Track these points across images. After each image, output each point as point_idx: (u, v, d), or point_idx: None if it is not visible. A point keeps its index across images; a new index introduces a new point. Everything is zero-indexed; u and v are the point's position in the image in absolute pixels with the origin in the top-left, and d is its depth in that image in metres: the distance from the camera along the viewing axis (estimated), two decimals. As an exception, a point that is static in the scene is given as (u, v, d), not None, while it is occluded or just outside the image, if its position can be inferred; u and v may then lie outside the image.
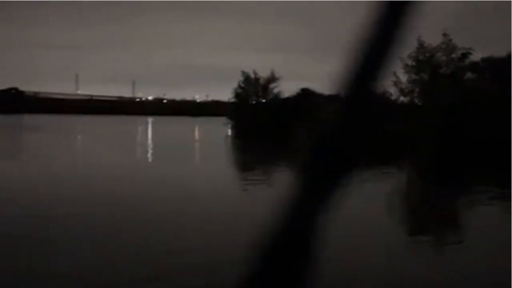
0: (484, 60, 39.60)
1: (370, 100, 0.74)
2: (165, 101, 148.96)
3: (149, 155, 28.75)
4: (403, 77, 37.05)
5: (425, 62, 36.22)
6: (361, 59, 0.72)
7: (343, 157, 0.69)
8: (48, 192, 14.36)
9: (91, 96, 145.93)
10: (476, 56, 37.05)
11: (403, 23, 0.71)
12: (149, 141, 40.99)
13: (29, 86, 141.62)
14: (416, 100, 37.92)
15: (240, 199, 13.82)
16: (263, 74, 53.55)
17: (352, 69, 0.72)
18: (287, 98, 51.29)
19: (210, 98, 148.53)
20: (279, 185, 17.17)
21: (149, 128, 62.29)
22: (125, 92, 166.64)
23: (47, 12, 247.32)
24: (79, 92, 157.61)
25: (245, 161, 26.84)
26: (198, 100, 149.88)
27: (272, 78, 53.15)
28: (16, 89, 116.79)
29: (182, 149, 31.59)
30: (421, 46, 36.26)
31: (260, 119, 47.65)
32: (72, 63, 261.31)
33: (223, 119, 55.94)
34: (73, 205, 12.22)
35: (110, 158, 24.26)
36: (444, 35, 35.68)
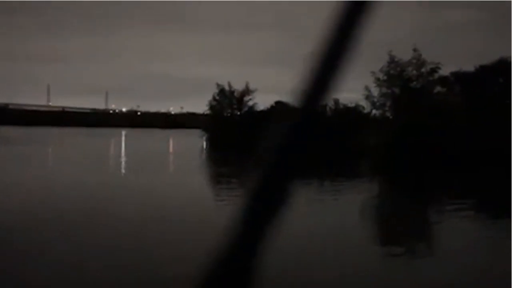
0: (453, 74, 40.73)
1: (317, 112, 0.74)
2: (139, 113, 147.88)
3: (122, 169, 28.50)
4: (375, 91, 37.80)
5: (396, 76, 37.05)
6: (315, 71, 0.73)
7: (288, 169, 0.71)
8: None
9: (63, 107, 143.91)
10: (445, 71, 38.10)
11: (357, 26, 0.72)
12: (123, 154, 40.62)
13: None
14: (388, 114, 38.67)
15: (212, 213, 13.83)
16: (238, 86, 53.92)
17: (308, 79, 0.73)
18: (262, 111, 51.62)
19: (185, 110, 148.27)
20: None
21: (122, 140, 61.72)
22: (98, 104, 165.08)
23: (18, 23, 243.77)
24: (50, 103, 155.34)
25: (219, 174, 26.87)
26: (172, 112, 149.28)
27: (247, 91, 53.46)
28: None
29: (156, 162, 31.42)
30: (392, 60, 37.11)
31: (235, 132, 47.79)
32: (44, 75, 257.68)
33: (198, 132, 55.88)
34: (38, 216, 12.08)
35: (81, 172, 23.98)
36: (414, 50, 36.62)
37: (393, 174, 28.65)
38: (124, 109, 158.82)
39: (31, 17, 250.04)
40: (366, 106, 40.02)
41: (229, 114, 53.64)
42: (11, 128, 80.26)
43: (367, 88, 37.71)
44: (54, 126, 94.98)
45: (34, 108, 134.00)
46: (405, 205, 16.96)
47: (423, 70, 36.84)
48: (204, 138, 53.72)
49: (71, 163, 29.32)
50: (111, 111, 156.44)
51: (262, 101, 78.39)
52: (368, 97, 38.13)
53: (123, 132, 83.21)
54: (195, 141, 52.73)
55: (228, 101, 53.94)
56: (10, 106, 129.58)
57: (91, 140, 60.32)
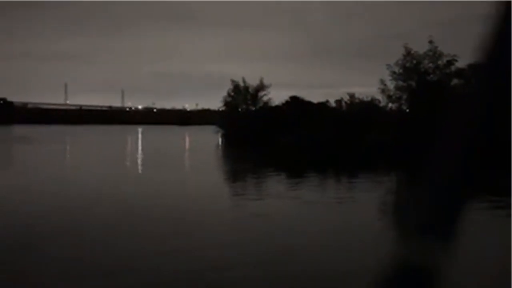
0: (470, 66, 40.19)
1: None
2: (154, 110, 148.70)
3: (139, 165, 28.76)
4: (391, 84, 37.50)
5: (412, 69, 36.70)
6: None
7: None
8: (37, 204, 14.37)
9: (81, 106, 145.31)
10: (462, 63, 37.62)
11: None
12: (139, 150, 40.95)
13: (18, 97, 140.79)
14: (404, 107, 38.35)
15: (230, 216, 13.87)
16: (253, 82, 53.92)
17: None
18: (277, 106, 51.55)
19: (200, 107, 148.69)
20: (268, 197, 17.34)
21: (139, 138, 62.18)
22: (115, 101, 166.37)
23: (35, 22, 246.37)
24: (68, 102, 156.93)
25: (236, 171, 26.96)
26: (188, 109, 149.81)
27: (262, 86, 53.45)
28: (4, 99, 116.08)
29: (172, 159, 31.62)
30: (408, 53, 36.76)
31: (250, 128, 47.81)
32: (61, 73, 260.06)
33: (213, 128, 56.03)
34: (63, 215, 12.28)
35: (100, 168, 24.26)
36: (430, 42, 36.21)
37: (412, 169, 28.43)
38: (140, 107, 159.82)
39: (48, 16, 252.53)
40: (382, 99, 39.75)
41: (244, 110, 53.69)
42: (30, 127, 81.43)
43: (382, 82, 37.47)
44: (71, 124, 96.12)
45: (52, 106, 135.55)
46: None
47: (439, 62, 36.41)
48: (220, 134, 53.85)
49: (92, 160, 29.64)
50: (127, 109, 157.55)
51: (276, 96, 78.52)
52: (383, 90, 37.86)
53: (139, 129, 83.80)
54: (211, 138, 52.90)
55: (243, 97, 53.98)
56: (29, 105, 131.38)
57: (109, 137, 60.90)
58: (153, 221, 12.21)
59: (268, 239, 10.39)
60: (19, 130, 71.22)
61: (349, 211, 14.35)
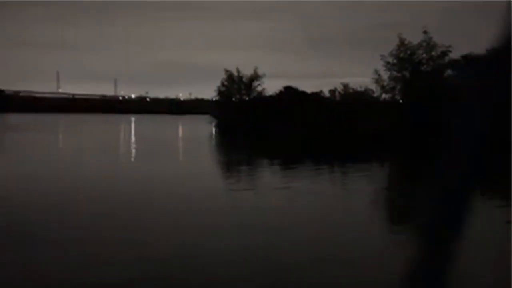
0: (464, 57, 40.22)
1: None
2: (148, 99, 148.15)
3: (132, 154, 28.62)
4: (385, 75, 37.51)
5: (406, 60, 36.71)
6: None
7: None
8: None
9: (73, 94, 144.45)
10: (456, 54, 37.66)
11: None
12: (132, 140, 40.78)
13: (9, 85, 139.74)
14: (398, 97, 38.43)
15: (223, 205, 13.82)
16: (246, 72, 53.73)
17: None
18: (271, 96, 51.47)
19: (193, 96, 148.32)
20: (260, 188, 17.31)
21: (132, 127, 61.94)
22: (108, 90, 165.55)
23: (28, 11, 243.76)
24: (60, 90, 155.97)
25: (229, 161, 26.91)
26: (181, 98, 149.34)
27: (255, 76, 53.29)
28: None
29: (166, 148, 31.50)
30: (402, 43, 36.75)
31: (243, 117, 47.73)
32: (53, 62, 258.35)
33: (207, 117, 55.85)
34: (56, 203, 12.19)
35: (92, 158, 24.12)
36: (425, 32, 36.17)
37: (404, 159, 28.51)
38: (133, 96, 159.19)
39: (40, 4, 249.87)
40: (375, 90, 39.77)
41: (237, 100, 53.55)
42: (22, 115, 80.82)
43: (376, 72, 37.47)
44: (64, 113, 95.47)
45: (44, 95, 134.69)
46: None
47: (433, 53, 36.42)
48: (213, 123, 53.73)
49: (82, 150, 29.49)
50: (120, 98, 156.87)
51: (270, 86, 78.24)
52: (377, 80, 37.89)
53: (132, 118, 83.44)
54: (204, 127, 52.75)
55: (237, 87, 53.82)
56: (21, 94, 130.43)
57: (101, 126, 60.59)
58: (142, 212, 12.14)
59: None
60: (11, 118, 70.71)
61: (338, 200, 14.35)
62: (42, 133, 44.20)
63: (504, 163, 13.22)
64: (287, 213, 12.09)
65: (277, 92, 51.10)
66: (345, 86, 46.66)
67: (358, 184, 17.43)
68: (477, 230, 8.46)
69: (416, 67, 36.43)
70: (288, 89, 50.13)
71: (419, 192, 14.85)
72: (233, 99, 53.80)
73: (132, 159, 25.75)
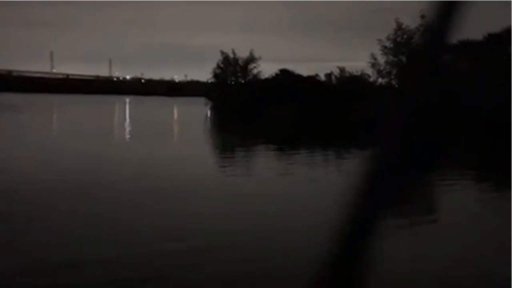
0: (461, 42, 40.09)
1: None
2: (143, 80, 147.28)
3: (127, 136, 28.49)
4: (381, 59, 37.37)
5: (403, 44, 36.56)
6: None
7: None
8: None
9: (67, 75, 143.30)
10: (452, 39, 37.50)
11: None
12: (127, 121, 40.57)
13: (2, 65, 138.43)
14: (394, 82, 38.33)
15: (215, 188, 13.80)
16: (242, 54, 53.37)
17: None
18: (266, 79, 51.23)
19: (188, 78, 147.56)
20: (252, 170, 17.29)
21: (126, 108, 61.62)
22: (102, 71, 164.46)
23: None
24: (54, 70, 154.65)
25: (224, 143, 26.83)
26: (176, 80, 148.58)
27: (251, 59, 52.96)
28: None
29: (161, 131, 31.37)
30: (399, 28, 36.56)
31: (239, 100, 47.54)
32: (47, 41, 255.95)
33: (202, 99, 55.61)
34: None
35: (87, 140, 23.98)
36: (422, 17, 35.92)
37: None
38: (128, 77, 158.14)
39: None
40: (372, 74, 39.65)
41: (233, 82, 53.29)
42: (15, 95, 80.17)
43: (373, 56, 37.33)
44: (58, 93, 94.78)
45: (38, 75, 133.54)
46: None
47: (431, 37, 36.29)
48: (209, 106, 53.52)
49: (76, 131, 29.32)
50: (115, 79, 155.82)
51: (266, 69, 78.01)
52: (374, 65, 37.78)
53: (127, 100, 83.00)
54: (199, 109, 52.53)
55: (233, 69, 53.51)
56: (14, 73, 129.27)
57: (96, 107, 60.22)
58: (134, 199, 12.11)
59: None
60: (3, 98, 70.16)
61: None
62: (36, 113, 43.87)
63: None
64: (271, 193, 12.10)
65: (273, 75, 50.88)
66: (342, 70, 46.48)
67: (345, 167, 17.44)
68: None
69: (413, 51, 36.35)
70: (283, 72, 49.89)
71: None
72: (229, 81, 53.55)
73: (127, 140, 25.65)
